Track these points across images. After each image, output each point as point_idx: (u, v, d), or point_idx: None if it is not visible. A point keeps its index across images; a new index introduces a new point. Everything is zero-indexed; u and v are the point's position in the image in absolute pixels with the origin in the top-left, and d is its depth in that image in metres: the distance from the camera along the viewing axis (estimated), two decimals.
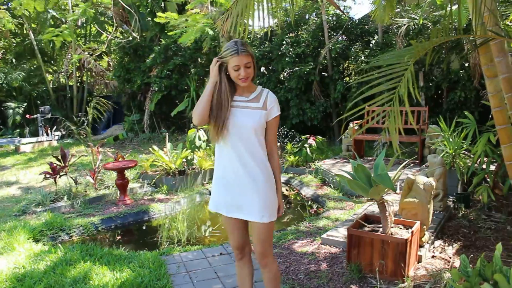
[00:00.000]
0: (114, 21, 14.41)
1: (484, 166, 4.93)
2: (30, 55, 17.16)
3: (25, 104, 15.76)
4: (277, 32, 11.01)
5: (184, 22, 8.96)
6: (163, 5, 13.80)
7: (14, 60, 17.20)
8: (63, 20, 14.74)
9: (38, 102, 16.37)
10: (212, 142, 2.64)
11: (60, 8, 15.82)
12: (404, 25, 8.40)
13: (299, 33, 11.41)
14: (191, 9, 9.05)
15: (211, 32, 9.11)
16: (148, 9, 13.95)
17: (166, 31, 13.39)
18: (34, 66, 17.03)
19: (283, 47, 10.87)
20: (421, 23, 8.60)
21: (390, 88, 2.93)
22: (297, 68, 10.51)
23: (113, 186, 6.92)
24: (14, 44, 17.59)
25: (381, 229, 3.65)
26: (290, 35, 11.35)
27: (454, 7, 4.98)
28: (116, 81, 15.60)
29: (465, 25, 6.16)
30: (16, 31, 17.44)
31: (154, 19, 13.58)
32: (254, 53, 11.38)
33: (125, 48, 14.31)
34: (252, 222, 2.60)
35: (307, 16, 12.33)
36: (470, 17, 3.31)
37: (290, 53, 10.70)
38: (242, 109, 2.56)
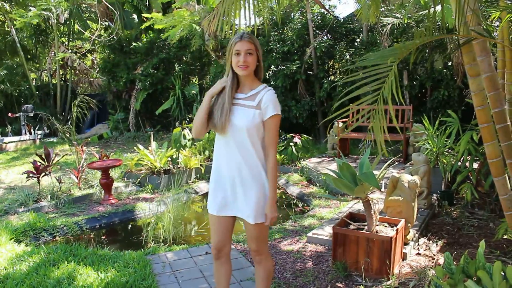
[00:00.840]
0: (99, 18, 14.27)
1: (467, 164, 4.99)
2: (12, 52, 16.89)
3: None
4: (264, 30, 11.01)
5: (171, 20, 8.91)
6: (147, 2, 13.72)
7: None
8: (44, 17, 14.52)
9: (22, 100, 16.13)
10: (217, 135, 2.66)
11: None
12: (389, 24, 8.46)
13: (285, 31, 11.42)
14: (177, 8, 8.99)
15: (199, 29, 9.06)
16: (133, 7, 13.86)
17: (151, 28, 13.32)
18: (16, 65, 16.77)
19: (271, 43, 10.88)
20: (405, 22, 8.68)
21: (375, 89, 2.94)
22: (283, 67, 10.53)
23: (97, 186, 6.85)
24: None
25: (366, 227, 3.68)
26: (276, 33, 11.36)
27: (438, 7, 5.02)
28: (100, 79, 15.44)
29: (446, 24, 6.22)
30: None
31: (139, 18, 13.53)
32: None
33: (109, 46, 14.18)
34: (244, 221, 2.61)
35: (292, 14, 12.35)
36: (453, 16, 3.34)
37: (277, 49, 10.71)
38: (238, 106, 2.52)
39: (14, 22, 14.46)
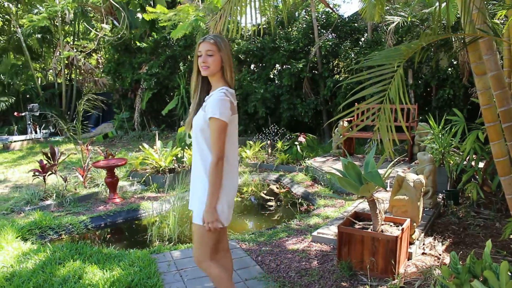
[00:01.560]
0: (104, 18, 14.31)
1: (473, 164, 4.97)
2: (18, 52, 16.97)
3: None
4: (269, 29, 11.02)
5: (175, 15, 8.88)
6: (152, 2, 13.72)
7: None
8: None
9: (27, 96, 16.20)
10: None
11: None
12: (394, 22, 8.44)
13: (290, 30, 11.43)
14: (179, 3, 8.97)
15: (203, 26, 9.05)
16: (139, 6, 13.87)
17: (156, 27, 13.33)
18: (21, 64, 16.85)
19: (277, 41, 10.89)
20: (410, 20, 8.64)
21: (381, 89, 2.93)
22: (288, 66, 10.53)
23: (102, 184, 6.87)
24: (2, 42, 17.40)
25: (371, 227, 3.67)
26: (281, 32, 11.37)
27: (443, 5, 5.00)
28: (105, 79, 15.47)
29: (453, 23, 6.20)
30: (5, 27, 17.25)
31: (143, 16, 13.51)
32: (247, 48, 11.31)
33: (114, 46, 14.21)
34: None
35: (297, 13, 12.34)
36: (458, 15, 3.32)
37: (284, 47, 10.72)
38: (201, 108, 2.59)
39: (20, 22, 14.54)
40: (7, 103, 15.05)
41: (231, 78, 2.56)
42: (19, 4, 15.42)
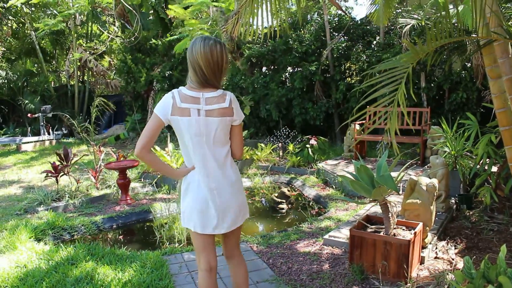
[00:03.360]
0: (115, 20, 14.44)
1: (486, 167, 4.92)
2: (31, 54, 17.18)
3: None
4: (282, 31, 11.05)
5: (182, 27, 9.06)
6: (164, 5, 13.82)
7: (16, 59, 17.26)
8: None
9: (44, 96, 16.39)
10: None
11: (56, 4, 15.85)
12: (408, 24, 8.40)
13: (302, 33, 11.42)
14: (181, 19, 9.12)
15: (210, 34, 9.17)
16: (151, 8, 13.98)
17: (170, 29, 13.42)
18: (35, 65, 17.07)
19: (289, 43, 10.91)
20: (423, 23, 8.59)
21: (391, 90, 2.93)
22: (300, 68, 10.53)
23: (114, 186, 6.92)
24: (16, 44, 17.62)
25: (383, 230, 3.65)
26: (294, 35, 11.37)
27: (459, 8, 4.97)
28: (117, 80, 15.58)
29: (466, 26, 6.14)
30: (18, 29, 17.47)
31: (157, 19, 13.62)
32: (259, 52, 11.29)
33: (127, 47, 14.32)
34: None
35: (309, 16, 12.34)
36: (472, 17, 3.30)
37: (296, 48, 10.73)
38: None
39: (36, 25, 14.72)
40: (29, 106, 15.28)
41: (192, 80, 2.48)
42: (33, 8, 15.60)
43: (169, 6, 9.81)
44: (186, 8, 10.14)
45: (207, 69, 2.39)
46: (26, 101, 15.24)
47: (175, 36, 9.69)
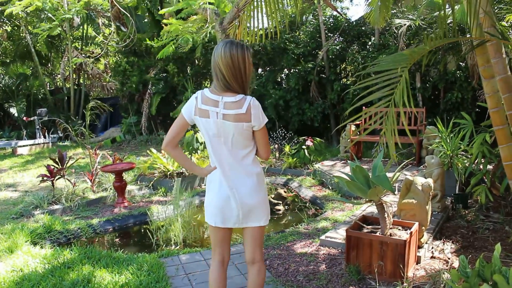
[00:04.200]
0: (112, 23, 14.42)
1: (481, 167, 4.94)
2: (27, 57, 17.13)
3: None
4: (282, 29, 11.08)
5: (168, 34, 9.08)
6: (159, 7, 13.81)
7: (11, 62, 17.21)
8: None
9: (39, 99, 16.35)
10: None
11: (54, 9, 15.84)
12: (403, 25, 8.43)
13: (297, 34, 11.45)
14: (194, 15, 9.07)
15: (197, 38, 9.21)
16: (147, 11, 13.98)
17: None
18: (31, 68, 17.03)
19: (286, 44, 10.93)
20: (417, 24, 8.63)
21: (386, 94, 2.94)
22: (296, 69, 10.56)
23: (111, 189, 6.91)
24: (11, 47, 17.57)
25: (379, 231, 3.66)
26: (289, 36, 11.39)
27: (456, 7, 4.99)
28: (112, 83, 15.55)
29: (461, 26, 6.18)
30: (13, 33, 17.42)
31: (152, 21, 13.61)
32: (256, 51, 11.32)
33: (122, 50, 14.30)
34: None
35: (304, 17, 12.36)
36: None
37: (292, 49, 10.75)
38: None
39: (32, 30, 14.70)
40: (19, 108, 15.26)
41: (215, 83, 2.51)
42: (28, 12, 15.56)
43: (159, 12, 9.83)
44: (177, 12, 10.17)
45: (228, 74, 2.40)
46: (11, 105, 15.22)
47: (162, 42, 9.75)
